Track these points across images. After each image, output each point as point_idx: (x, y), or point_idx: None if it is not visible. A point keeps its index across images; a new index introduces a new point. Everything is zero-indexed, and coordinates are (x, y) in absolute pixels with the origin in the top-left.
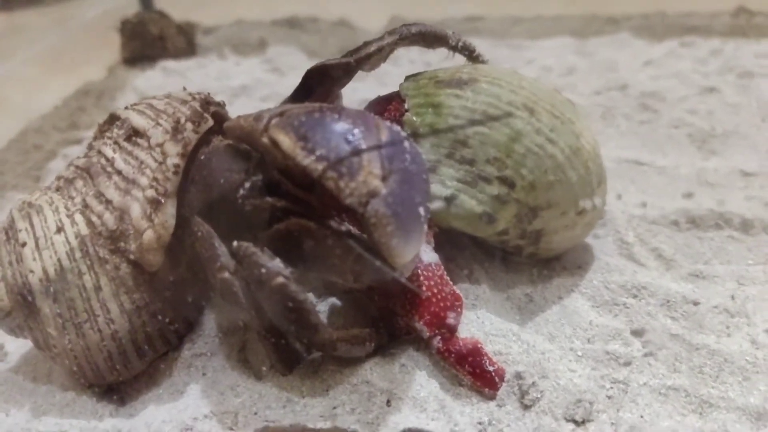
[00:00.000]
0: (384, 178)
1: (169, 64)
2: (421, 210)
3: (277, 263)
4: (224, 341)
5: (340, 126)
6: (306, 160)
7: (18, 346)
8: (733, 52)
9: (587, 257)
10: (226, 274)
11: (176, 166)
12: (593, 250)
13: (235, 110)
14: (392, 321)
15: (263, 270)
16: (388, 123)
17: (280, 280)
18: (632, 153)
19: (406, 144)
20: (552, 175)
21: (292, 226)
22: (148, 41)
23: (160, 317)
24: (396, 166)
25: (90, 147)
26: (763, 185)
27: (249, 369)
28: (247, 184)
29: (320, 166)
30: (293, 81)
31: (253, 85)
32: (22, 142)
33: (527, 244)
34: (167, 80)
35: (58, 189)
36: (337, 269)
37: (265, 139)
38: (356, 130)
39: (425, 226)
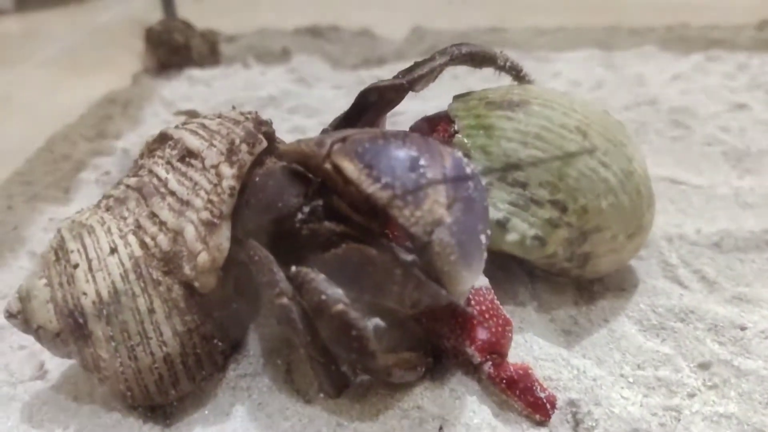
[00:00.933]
0: (449, 207)
1: (195, 72)
2: (483, 237)
3: (336, 290)
4: (269, 362)
5: (405, 153)
6: (371, 188)
7: (57, 365)
8: (760, 67)
9: (632, 279)
10: (285, 300)
11: (232, 188)
12: (637, 271)
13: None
14: (439, 344)
15: (323, 297)
16: (450, 149)
17: (341, 307)
18: (668, 170)
19: (469, 171)
20: (604, 199)
21: (351, 252)
22: (173, 49)
23: (209, 338)
24: (460, 194)
25: (139, 165)
26: None
27: (296, 391)
28: (306, 209)
29: (386, 195)
30: (320, 92)
31: (280, 96)
32: (49, 151)
33: (574, 266)
34: (193, 89)
35: (108, 209)
36: (396, 295)
37: (327, 165)
38: (421, 158)
39: (485, 254)
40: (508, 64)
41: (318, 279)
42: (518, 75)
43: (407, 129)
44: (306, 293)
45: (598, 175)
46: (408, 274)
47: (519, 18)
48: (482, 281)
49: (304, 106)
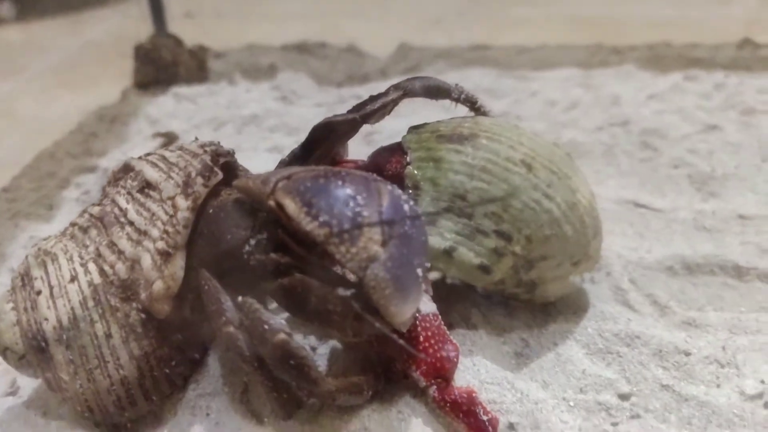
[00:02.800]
0: (384, 243)
1: (181, 89)
2: (419, 271)
3: (278, 321)
4: (227, 381)
5: (344, 192)
6: (310, 226)
7: (29, 381)
8: (736, 87)
9: (583, 303)
10: (231, 329)
11: (186, 219)
12: (589, 295)
13: (244, 139)
14: (390, 366)
15: (266, 326)
16: (389, 187)
17: (281, 336)
18: (632, 193)
19: (406, 207)
20: (548, 229)
21: (295, 283)
22: (161, 67)
23: (166, 361)
24: (396, 231)
25: (105, 194)
26: (759, 230)
27: (251, 412)
28: (253, 241)
29: (323, 232)
30: (301, 110)
31: (262, 115)
32: (36, 168)
33: (523, 292)
34: (179, 106)
35: (72, 236)
36: (338, 325)
37: (271, 202)
38: (358, 197)
39: (422, 285)
40: (463, 96)
41: (261, 309)
42: (473, 107)
43: (378, 150)
44: (250, 322)
45: (541, 206)
46: (347, 306)
47: (503, 35)
48: (430, 307)
49: (285, 124)
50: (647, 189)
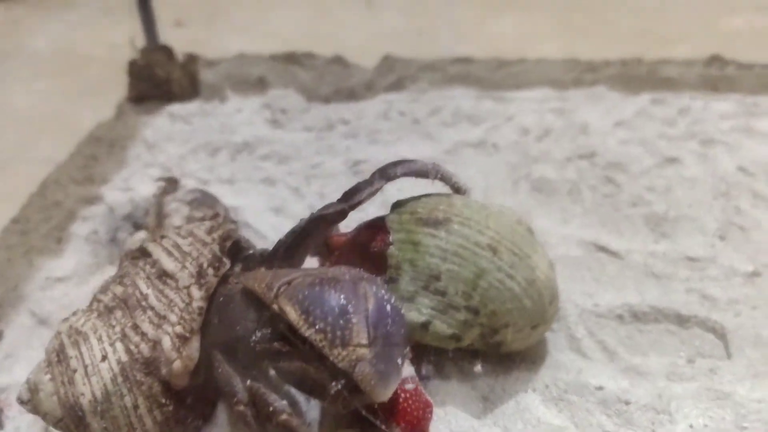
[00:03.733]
0: (370, 345)
1: (175, 108)
2: (399, 360)
3: (281, 403)
4: (234, 430)
5: (336, 300)
6: (308, 332)
7: None
8: (700, 113)
9: (542, 352)
10: (241, 407)
11: (200, 308)
12: (548, 344)
13: (238, 168)
14: (376, 420)
15: (271, 408)
16: (374, 288)
17: (284, 417)
18: (593, 234)
19: (389, 308)
20: (510, 303)
21: (295, 368)
22: (154, 83)
23: (183, 420)
24: (379, 332)
25: (123, 272)
26: (703, 275)
27: None
28: (259, 333)
29: (319, 337)
30: (291, 137)
31: (254, 143)
32: (43, 196)
33: (489, 350)
34: (173, 128)
35: (99, 315)
36: (331, 403)
37: (275, 306)
38: (349, 305)
39: (401, 369)
40: (439, 175)
41: (267, 392)
42: (449, 183)
43: (364, 225)
44: (258, 404)
45: (504, 285)
46: (338, 392)
47: (487, 45)
48: (408, 371)
49: (276, 153)
50: (607, 229)
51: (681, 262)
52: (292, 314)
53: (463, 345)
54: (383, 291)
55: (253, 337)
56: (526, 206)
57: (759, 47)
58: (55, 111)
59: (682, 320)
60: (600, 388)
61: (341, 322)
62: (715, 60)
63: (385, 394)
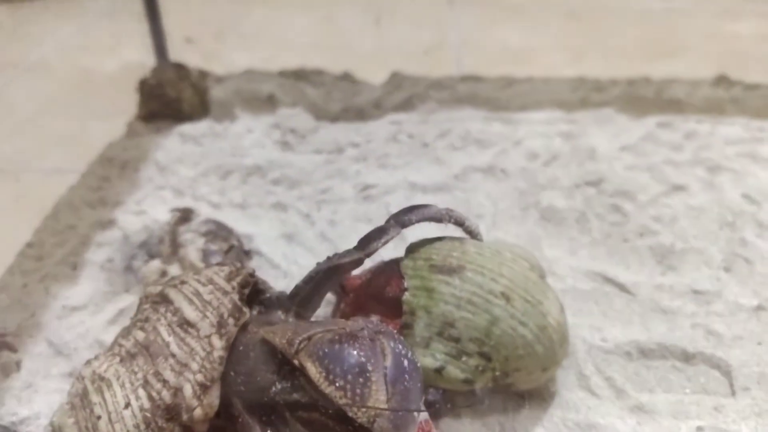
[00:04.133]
0: (388, 401)
1: (185, 128)
2: (416, 414)
3: None
4: None
5: (355, 358)
6: (328, 389)
7: None
8: (706, 137)
9: (552, 390)
10: None
11: (221, 357)
12: (558, 382)
13: (249, 191)
14: None
15: None
16: (392, 343)
17: None
18: (600, 265)
19: (406, 363)
20: (522, 350)
21: (314, 420)
22: (165, 102)
23: None
24: (398, 388)
25: (144, 316)
26: (709, 310)
27: None
28: (279, 386)
29: (339, 394)
30: (301, 160)
31: (264, 166)
32: (56, 219)
33: (500, 390)
34: (184, 149)
35: (122, 360)
36: None
37: (296, 362)
38: (367, 363)
39: (418, 421)
40: (453, 220)
41: None
42: (463, 227)
43: (378, 268)
44: None
45: (516, 332)
46: None
47: (495, 62)
48: (423, 415)
49: (286, 177)
50: (614, 260)
51: (687, 296)
52: (313, 371)
53: (476, 388)
54: (401, 346)
55: (273, 389)
56: (535, 235)
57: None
58: (61, 120)
59: (688, 357)
60: (608, 429)
61: (361, 380)
62: (722, 80)
63: None
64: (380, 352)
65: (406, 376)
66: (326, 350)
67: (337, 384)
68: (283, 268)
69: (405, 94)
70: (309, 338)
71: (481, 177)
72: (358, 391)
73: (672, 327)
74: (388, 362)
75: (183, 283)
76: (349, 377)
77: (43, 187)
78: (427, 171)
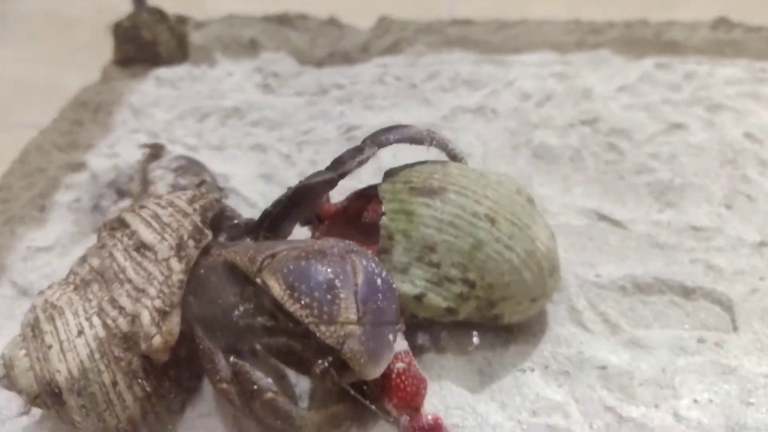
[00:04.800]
0: (359, 320)
1: (162, 72)
2: (390, 336)
3: (266, 381)
4: (220, 403)
5: (323, 274)
6: (293, 307)
7: None
8: (705, 78)
9: (542, 325)
10: (224, 385)
11: (180, 281)
12: (548, 317)
13: (228, 133)
14: (364, 395)
15: (255, 387)
16: (365, 261)
17: (269, 395)
18: (595, 202)
19: (379, 282)
20: (508, 276)
21: (281, 345)
22: (140, 45)
23: (166, 395)
24: (369, 307)
25: (101, 243)
26: (709, 246)
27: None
28: (242, 308)
29: (305, 313)
30: (282, 102)
31: (244, 108)
32: (26, 163)
33: (486, 322)
34: (160, 93)
35: (75, 288)
36: (318, 380)
37: (258, 280)
38: (336, 279)
39: (393, 346)
40: (435, 142)
41: (251, 371)
42: (446, 150)
43: (356, 194)
44: (241, 382)
45: (502, 257)
46: (325, 369)
47: (484, 7)
48: (402, 345)
49: (267, 119)
50: (610, 198)
51: (686, 232)
52: (276, 289)
53: (459, 318)
54: (373, 264)
55: (236, 312)
56: (526, 173)
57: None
58: (39, 75)
59: (687, 292)
60: (602, 363)
61: (328, 297)
62: (722, 22)
63: (375, 373)
64: (351, 270)
65: (379, 295)
66: (291, 267)
67: (303, 301)
68: (261, 207)
69: (393, 38)
70: (273, 255)
71: (470, 117)
72: (325, 308)
73: (670, 262)
74: (359, 280)
75: (142, 207)
76: (316, 294)
77: (19, 141)
78: (414, 112)
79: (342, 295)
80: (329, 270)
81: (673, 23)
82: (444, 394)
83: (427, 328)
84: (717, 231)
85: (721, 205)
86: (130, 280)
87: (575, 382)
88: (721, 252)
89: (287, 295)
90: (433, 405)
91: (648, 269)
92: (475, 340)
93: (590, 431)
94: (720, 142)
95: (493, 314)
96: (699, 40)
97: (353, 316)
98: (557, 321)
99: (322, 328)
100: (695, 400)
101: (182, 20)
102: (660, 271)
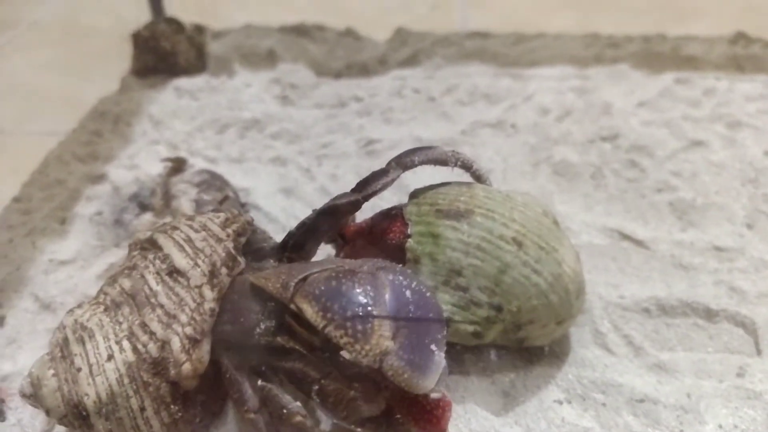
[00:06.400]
0: (393, 337)
1: (181, 82)
2: (434, 347)
3: (295, 404)
4: (242, 428)
5: (354, 293)
6: (327, 329)
7: None
8: (725, 94)
9: (566, 347)
10: (252, 415)
11: (212, 310)
12: (572, 339)
13: (247, 146)
14: (391, 416)
15: (284, 410)
16: (392, 275)
17: (299, 419)
18: (617, 221)
19: (408, 294)
20: (535, 300)
21: (296, 370)
22: (159, 55)
23: (192, 420)
24: (403, 322)
25: (131, 263)
26: (732, 267)
27: None
28: (263, 325)
29: (338, 333)
30: (301, 114)
31: (263, 120)
32: (45, 174)
33: (511, 344)
34: (180, 103)
35: (106, 309)
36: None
37: (293, 306)
38: (367, 296)
39: (441, 354)
40: (459, 162)
41: (279, 394)
42: (469, 171)
43: (380, 215)
44: (270, 405)
45: (530, 281)
46: (353, 399)
47: (505, 19)
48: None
49: (286, 131)
50: (631, 216)
51: (709, 252)
52: (309, 312)
53: (485, 342)
54: (401, 277)
55: (257, 330)
56: (547, 191)
57: None
58: (57, 83)
59: (710, 314)
60: (627, 387)
61: (361, 315)
62: (740, 37)
63: (425, 385)
64: (381, 286)
65: (411, 306)
66: (323, 288)
67: (336, 322)
68: (282, 222)
69: (410, 50)
70: (304, 279)
71: (489, 132)
72: (359, 327)
73: (693, 284)
74: (390, 296)
75: (174, 228)
76: (348, 314)
77: (36, 149)
78: (433, 126)
79: (375, 312)
80: (361, 289)
81: (690, 38)
82: (468, 418)
83: (450, 349)
84: (739, 252)
85: (743, 225)
86: (161, 305)
87: (601, 407)
88: (744, 274)
89: (320, 316)
90: (457, 429)
91: (672, 291)
92: (493, 357)
93: None
94: (741, 160)
95: (518, 337)
96: (717, 56)
97: (387, 333)
98: (581, 343)
99: (358, 347)
100: (720, 426)
101: (200, 30)
102: (684, 293)
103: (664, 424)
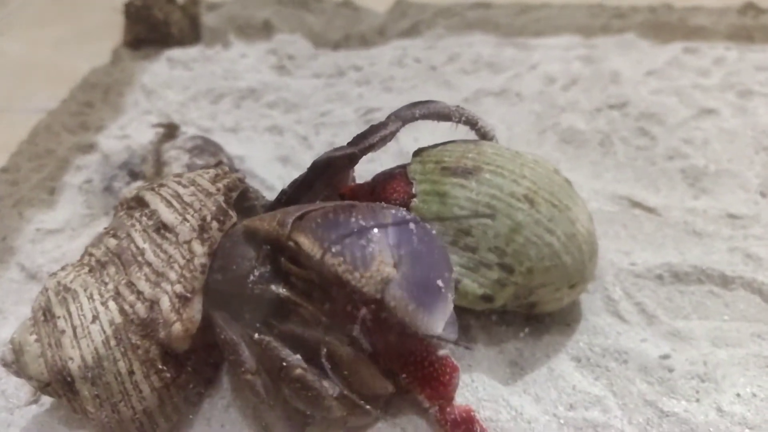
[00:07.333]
0: (396, 265)
1: (174, 53)
2: (440, 282)
3: (295, 357)
4: (239, 395)
5: (352, 223)
6: (324, 258)
7: None
8: (735, 63)
9: (576, 314)
10: (249, 376)
11: (203, 265)
12: (582, 306)
13: (243, 115)
14: (394, 380)
15: (284, 363)
16: (393, 210)
17: (299, 371)
18: (627, 188)
19: (412, 226)
20: (548, 261)
21: (296, 332)
22: (152, 26)
23: (184, 386)
24: (404, 250)
25: (118, 223)
26: (747, 234)
27: (263, 425)
28: (257, 272)
29: (336, 261)
30: (298, 84)
31: (260, 89)
32: (34, 144)
33: (521, 310)
34: (173, 74)
35: (90, 270)
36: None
37: (291, 243)
38: (366, 225)
39: (449, 295)
40: (463, 118)
41: (278, 346)
42: (475, 128)
43: (381, 175)
44: (269, 359)
45: (542, 240)
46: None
47: None
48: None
49: (283, 100)
50: (642, 183)
51: (722, 220)
52: (306, 243)
53: (495, 306)
54: (404, 213)
55: (251, 278)
56: (554, 158)
57: None
58: (50, 58)
59: (726, 281)
60: (640, 355)
61: (360, 243)
62: (749, 8)
63: (431, 324)
64: (381, 215)
65: (414, 238)
66: (319, 221)
67: (334, 250)
68: (278, 189)
69: (410, 20)
70: (301, 216)
71: (493, 100)
72: (357, 254)
73: (708, 251)
74: (390, 225)
75: (162, 186)
76: (346, 242)
77: (29, 126)
78: (435, 95)
79: (374, 240)
80: (360, 217)
81: (698, 8)
82: (476, 386)
83: (456, 316)
84: (754, 219)
85: (757, 193)
86: (149, 263)
87: (613, 375)
88: (759, 240)
89: (317, 246)
90: (464, 397)
91: (686, 258)
92: (501, 325)
93: (630, 426)
94: (753, 128)
95: (528, 302)
96: (726, 26)
97: (389, 260)
98: (592, 311)
99: (357, 275)
100: (738, 395)
101: (194, 1)
102: (698, 260)
103: (680, 393)
